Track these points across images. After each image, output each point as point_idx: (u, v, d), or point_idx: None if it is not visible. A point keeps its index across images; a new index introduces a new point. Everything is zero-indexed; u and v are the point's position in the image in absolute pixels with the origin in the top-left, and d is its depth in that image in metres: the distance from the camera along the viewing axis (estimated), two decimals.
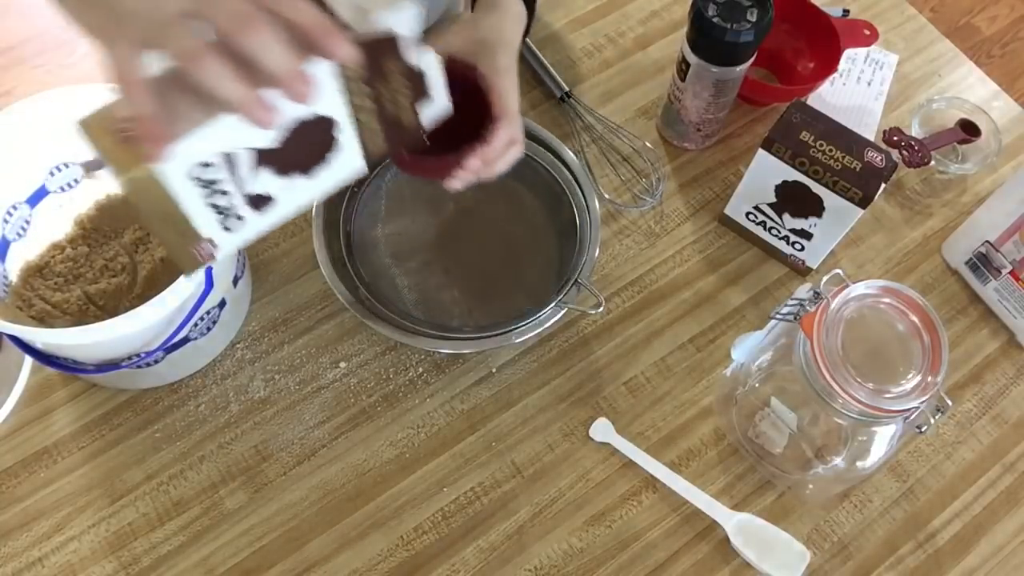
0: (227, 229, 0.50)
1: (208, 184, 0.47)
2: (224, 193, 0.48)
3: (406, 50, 0.52)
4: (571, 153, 0.79)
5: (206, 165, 0.46)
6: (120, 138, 0.43)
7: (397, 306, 0.73)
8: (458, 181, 0.61)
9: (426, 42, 0.53)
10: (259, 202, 0.51)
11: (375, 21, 0.49)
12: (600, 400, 0.76)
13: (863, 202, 0.72)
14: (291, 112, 0.47)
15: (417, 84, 0.55)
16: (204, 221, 0.49)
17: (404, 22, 0.50)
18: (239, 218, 0.50)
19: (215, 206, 0.48)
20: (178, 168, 0.45)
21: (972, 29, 2.18)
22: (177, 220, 0.47)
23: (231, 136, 0.46)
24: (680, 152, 0.89)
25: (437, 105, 0.57)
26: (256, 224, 0.52)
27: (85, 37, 0.45)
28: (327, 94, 0.48)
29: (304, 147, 0.50)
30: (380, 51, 0.49)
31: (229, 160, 0.47)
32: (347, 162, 0.53)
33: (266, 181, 0.50)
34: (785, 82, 0.93)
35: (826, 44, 0.87)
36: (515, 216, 0.81)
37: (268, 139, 0.47)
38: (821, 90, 0.93)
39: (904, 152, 0.86)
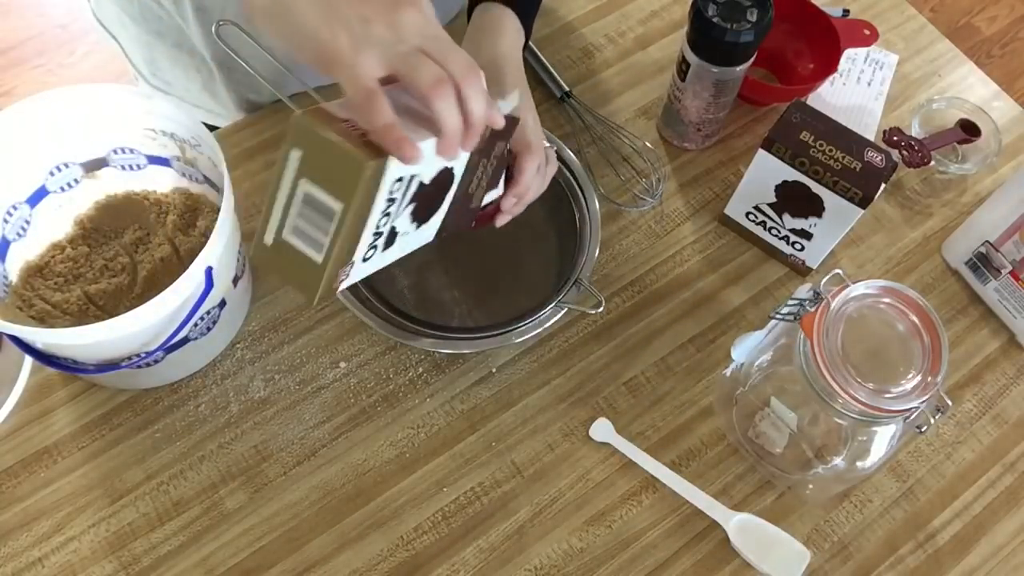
0: (365, 259, 0.52)
1: (390, 202, 0.50)
2: (387, 216, 0.51)
3: (512, 135, 0.59)
4: (571, 153, 0.79)
5: (399, 180, 0.49)
6: (352, 136, 0.47)
7: (397, 306, 0.73)
8: (499, 221, 0.65)
9: None
10: (391, 239, 0.53)
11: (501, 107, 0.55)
12: (600, 400, 0.76)
13: (863, 202, 0.72)
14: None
15: (498, 168, 0.61)
16: (365, 241, 0.51)
17: (511, 109, 0.56)
18: (374, 248, 0.52)
19: (377, 229, 0.51)
20: (394, 173, 0.48)
21: (972, 29, 2.18)
22: (355, 231, 0.49)
23: (427, 159, 0.50)
24: (680, 152, 0.89)
25: (496, 191, 0.63)
26: (376, 262, 0.54)
27: (316, 56, 0.48)
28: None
29: (430, 198, 0.54)
30: (499, 131, 0.55)
31: (407, 185, 0.50)
32: (431, 227, 0.58)
33: (403, 220, 0.53)
34: (785, 82, 0.93)
35: (826, 44, 0.87)
36: (515, 216, 0.81)
37: (433, 174, 0.52)
38: (821, 90, 0.93)
39: (904, 152, 0.86)
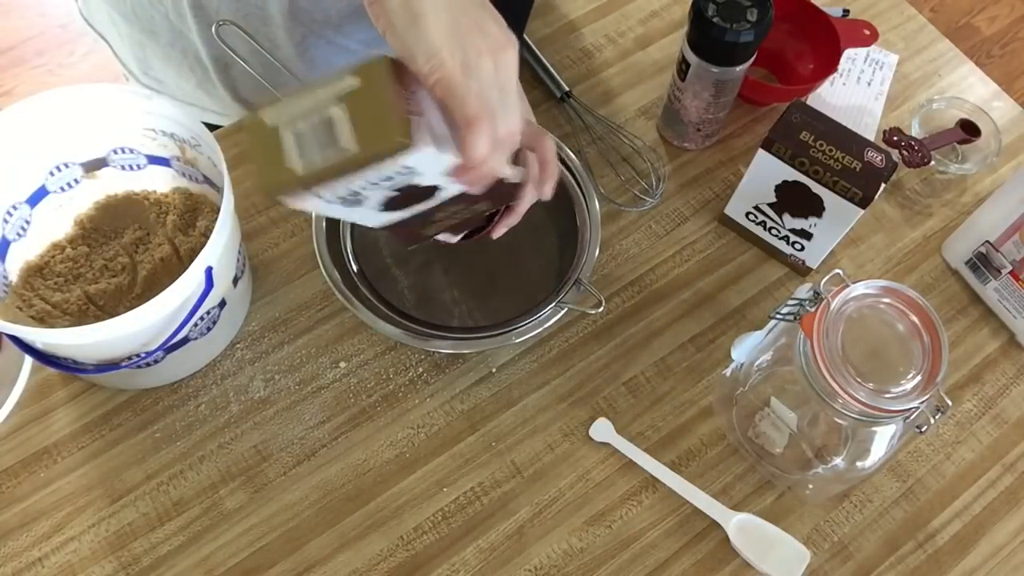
0: (320, 196, 0.53)
1: (387, 179, 0.51)
2: (375, 186, 0.52)
3: (502, 201, 0.62)
4: (571, 153, 0.79)
5: (407, 168, 0.50)
6: (406, 108, 0.49)
7: (397, 306, 0.73)
8: (495, 233, 0.66)
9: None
10: (356, 202, 0.54)
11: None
12: (600, 400, 0.76)
13: (863, 202, 0.72)
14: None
15: (467, 221, 0.64)
16: (339, 190, 0.51)
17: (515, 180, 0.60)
18: (340, 199, 0.53)
19: (356, 188, 0.52)
20: (408, 160, 0.49)
21: (972, 29, 2.18)
22: (344, 177, 0.50)
23: (437, 171, 0.52)
24: (680, 152, 0.89)
25: (449, 237, 0.66)
26: (330, 209, 0.55)
27: (430, 70, 0.50)
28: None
29: (409, 199, 0.56)
30: (494, 194, 0.58)
31: (407, 177, 0.51)
32: (386, 217, 0.59)
33: (377, 196, 0.54)
34: (785, 82, 0.93)
35: (826, 44, 0.87)
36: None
37: (427, 183, 0.54)
38: (821, 90, 0.93)
39: (904, 152, 0.86)
